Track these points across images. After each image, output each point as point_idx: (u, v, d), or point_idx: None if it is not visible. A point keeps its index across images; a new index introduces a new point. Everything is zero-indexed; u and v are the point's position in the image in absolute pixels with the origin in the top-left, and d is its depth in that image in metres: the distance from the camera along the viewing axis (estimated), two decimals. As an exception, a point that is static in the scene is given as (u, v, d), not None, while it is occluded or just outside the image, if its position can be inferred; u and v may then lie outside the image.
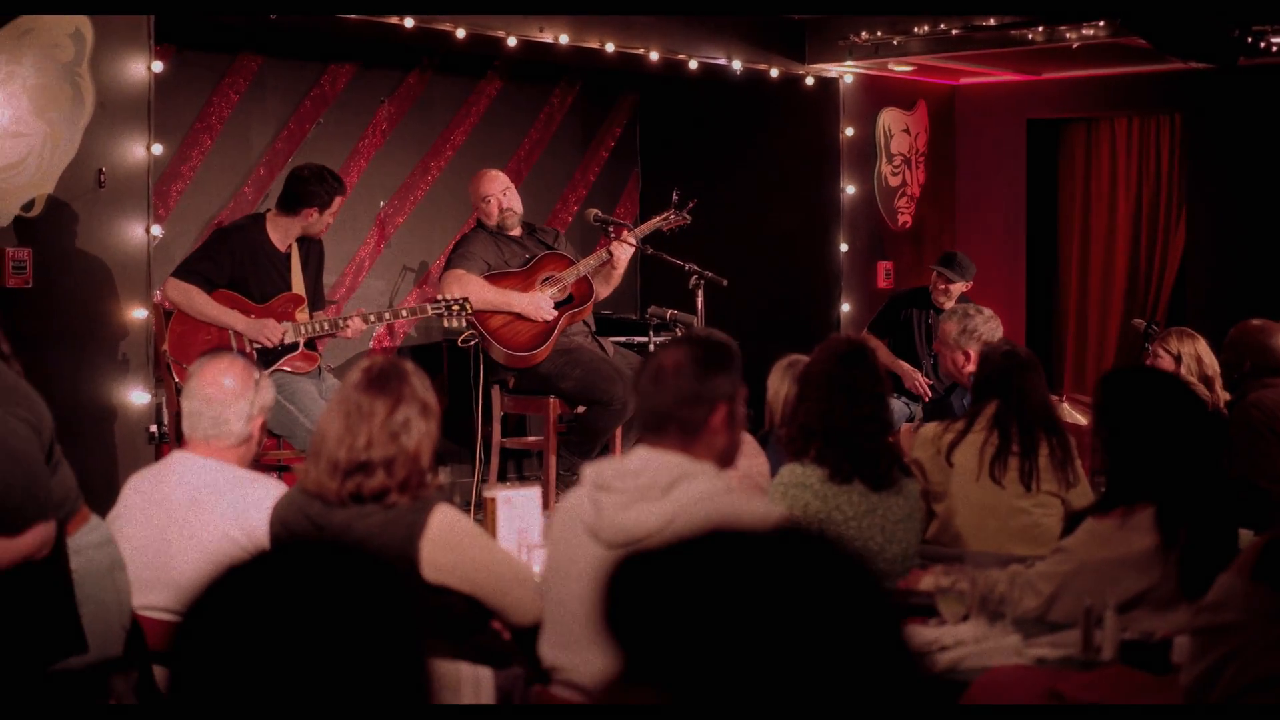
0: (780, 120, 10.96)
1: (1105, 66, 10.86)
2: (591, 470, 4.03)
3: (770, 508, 4.15)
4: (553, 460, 8.52)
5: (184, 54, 9.25)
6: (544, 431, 8.63)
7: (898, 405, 9.10)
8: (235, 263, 7.81)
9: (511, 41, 9.19)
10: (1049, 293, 11.90)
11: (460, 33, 8.95)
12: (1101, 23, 9.46)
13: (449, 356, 9.57)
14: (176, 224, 9.26)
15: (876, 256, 11.06)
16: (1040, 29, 9.68)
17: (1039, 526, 5.82)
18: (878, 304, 10.43)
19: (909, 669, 1.68)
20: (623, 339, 9.43)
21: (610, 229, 8.66)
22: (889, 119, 11.14)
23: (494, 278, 8.47)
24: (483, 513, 5.58)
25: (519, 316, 8.43)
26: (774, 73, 10.45)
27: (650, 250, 8.60)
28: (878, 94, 11.04)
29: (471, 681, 4.23)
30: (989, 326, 7.31)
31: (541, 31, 9.24)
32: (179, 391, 7.09)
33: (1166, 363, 7.71)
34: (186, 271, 7.79)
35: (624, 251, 8.58)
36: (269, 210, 8.06)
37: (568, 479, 8.50)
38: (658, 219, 8.83)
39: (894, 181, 11.17)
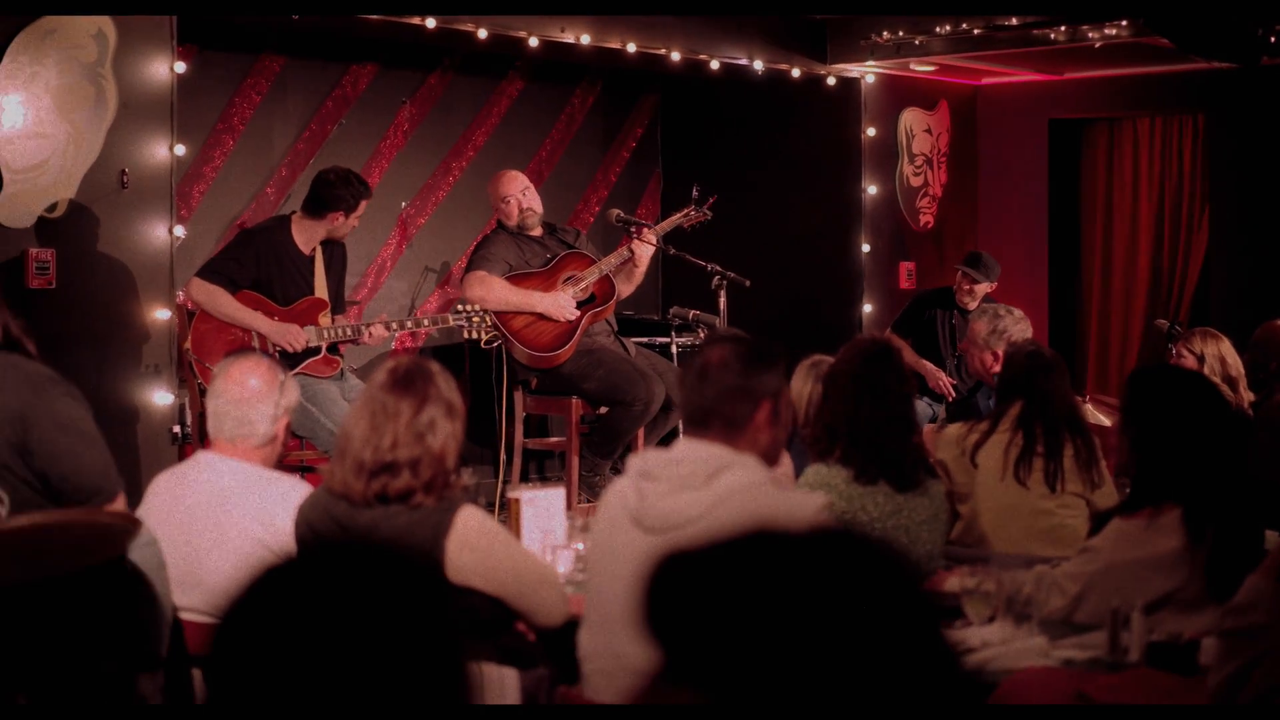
0: (802, 120, 10.95)
1: (1128, 66, 10.83)
2: (637, 460, 4.06)
3: (810, 496, 4.15)
4: (575, 461, 8.51)
5: (206, 55, 9.26)
6: (566, 432, 8.63)
7: (921, 405, 9.08)
8: (259, 265, 7.82)
9: (533, 42, 9.20)
10: (1071, 293, 11.87)
11: (482, 33, 8.95)
12: (1124, 22, 9.43)
13: (471, 357, 9.56)
14: (199, 225, 9.27)
15: (898, 257, 11.04)
16: (1063, 29, 9.66)
17: (1064, 527, 5.80)
18: (899, 304, 10.41)
19: (950, 670, 1.67)
20: (644, 339, 9.42)
21: (632, 229, 8.65)
22: (911, 119, 11.12)
23: (516, 278, 8.47)
24: (506, 513, 5.57)
25: (541, 317, 8.42)
26: (795, 73, 10.44)
27: (673, 251, 8.59)
28: (899, 94, 11.02)
29: (496, 683, 4.23)
30: (1019, 327, 7.28)
31: (563, 32, 9.25)
32: (202, 392, 7.12)
33: (1190, 363, 7.68)
34: (211, 272, 7.80)
35: (645, 249, 8.56)
36: (294, 213, 8.06)
37: (590, 480, 8.49)
38: (678, 215, 8.82)
39: (916, 182, 11.16)
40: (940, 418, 9.23)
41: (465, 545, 4.26)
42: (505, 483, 8.62)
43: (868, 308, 10.78)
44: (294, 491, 4.69)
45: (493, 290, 8.38)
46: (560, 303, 8.43)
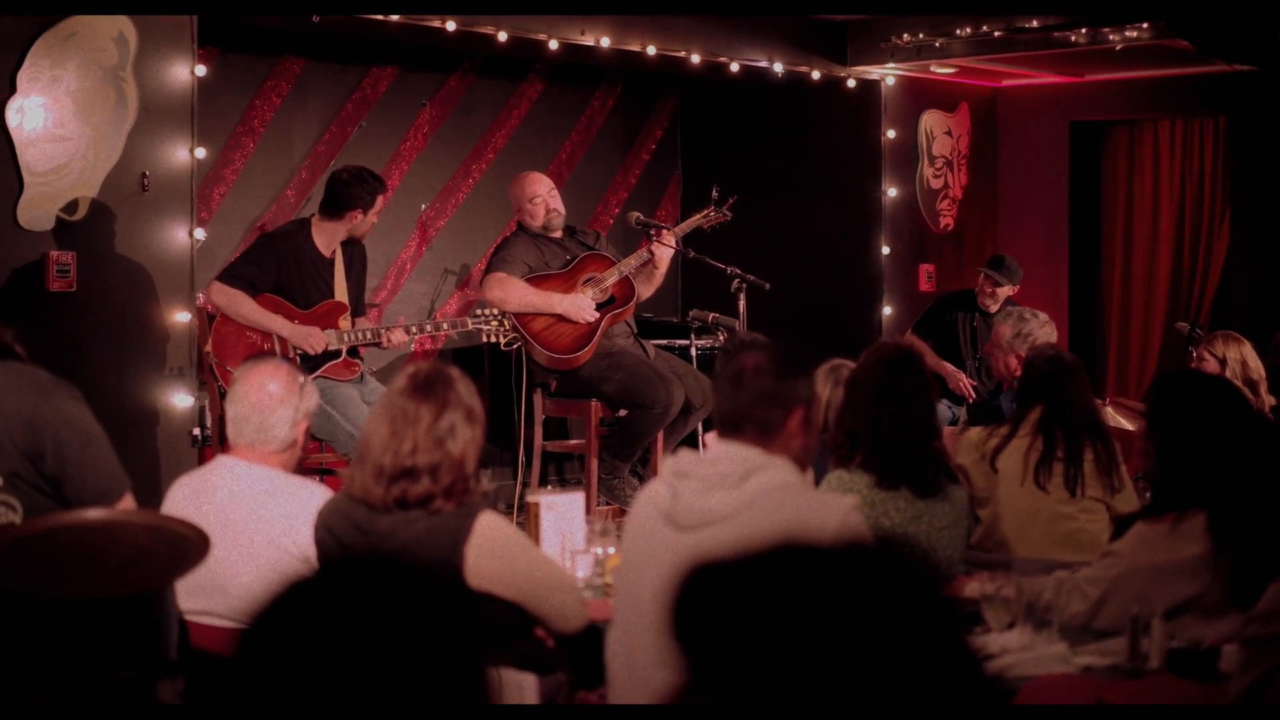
0: (822, 123, 10.94)
1: (1148, 68, 10.80)
2: (672, 460, 4.09)
3: (841, 498, 4.16)
4: (594, 464, 8.50)
5: (226, 57, 9.28)
6: (585, 435, 8.62)
7: (940, 408, 9.06)
8: (280, 269, 7.82)
9: (553, 44, 9.20)
10: (1092, 296, 11.84)
11: (502, 36, 8.95)
12: (1145, 24, 9.41)
13: (490, 360, 9.57)
14: (219, 227, 9.28)
15: (918, 259, 11.03)
16: (1083, 31, 9.63)
17: (1084, 532, 5.78)
18: (920, 307, 10.40)
19: (975, 680, 1.67)
20: (664, 342, 9.42)
21: (652, 231, 8.64)
22: (931, 121, 11.10)
23: (535, 280, 8.46)
24: (524, 517, 5.57)
25: (561, 318, 8.42)
26: (815, 75, 10.43)
27: (692, 254, 8.58)
28: (919, 96, 11.01)
29: (515, 688, 4.23)
30: (1044, 331, 7.27)
31: (583, 34, 9.25)
32: (222, 395, 7.13)
33: (1211, 366, 7.67)
34: (231, 276, 7.80)
35: (665, 251, 8.55)
36: (313, 215, 8.06)
37: (609, 482, 8.49)
38: (698, 216, 8.81)
39: (936, 184, 11.14)
40: (961, 420, 9.21)
41: (484, 551, 4.26)
42: (524, 485, 8.62)
43: (888, 310, 10.77)
44: (314, 496, 4.69)
45: (512, 292, 8.37)
46: (579, 304, 8.42)
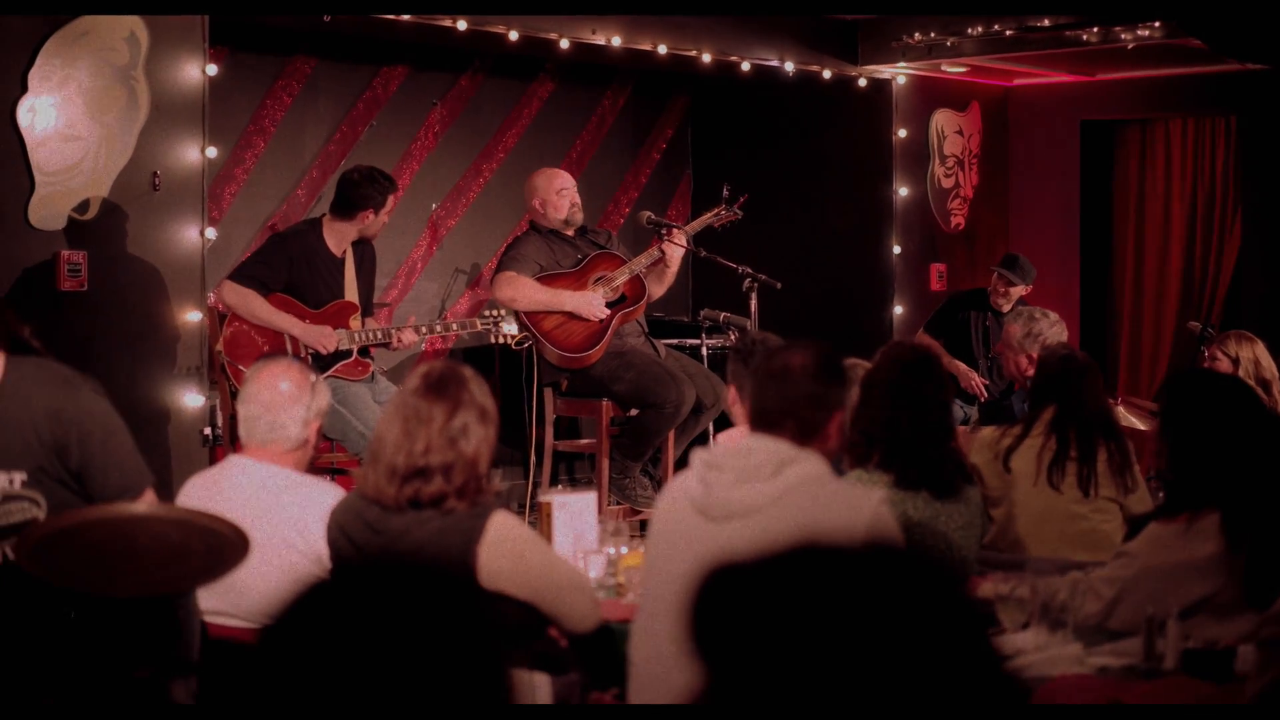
0: (833, 122, 10.93)
1: (1160, 68, 10.79)
2: (703, 452, 4.11)
3: (870, 491, 4.17)
4: (605, 463, 8.49)
5: (237, 57, 9.27)
6: (596, 434, 8.61)
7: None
8: (292, 268, 7.82)
9: (564, 44, 9.19)
10: (1103, 295, 11.83)
11: (513, 35, 8.95)
12: (1157, 23, 9.39)
13: (501, 359, 9.56)
14: (230, 227, 9.28)
15: (929, 258, 11.01)
16: (1095, 30, 9.61)
17: (1097, 532, 5.77)
18: (930, 306, 10.38)
19: (998, 681, 1.66)
20: (675, 341, 9.41)
21: (663, 230, 8.62)
22: (942, 120, 11.09)
23: (546, 279, 8.45)
24: (536, 517, 5.56)
25: (572, 316, 8.40)
26: (826, 74, 10.42)
27: (703, 253, 8.57)
28: (930, 95, 10.99)
29: (528, 688, 4.22)
30: (1054, 330, 7.25)
31: (594, 34, 9.24)
32: (233, 394, 7.12)
33: (1224, 366, 7.65)
34: (243, 276, 7.80)
35: (676, 250, 8.53)
36: (324, 215, 8.06)
37: (619, 482, 8.48)
38: (708, 215, 8.80)
39: (947, 183, 11.12)
40: (973, 419, 9.20)
41: (498, 551, 4.25)
42: (535, 485, 8.61)
43: (899, 309, 10.75)
44: (326, 496, 4.68)
45: (522, 290, 8.36)
46: (590, 300, 8.40)
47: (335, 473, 7.75)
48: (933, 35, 10.16)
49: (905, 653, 1.62)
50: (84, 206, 7.50)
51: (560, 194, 8.55)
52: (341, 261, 7.97)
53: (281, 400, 4.82)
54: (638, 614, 4.16)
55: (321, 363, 7.67)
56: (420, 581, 1.82)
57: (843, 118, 10.88)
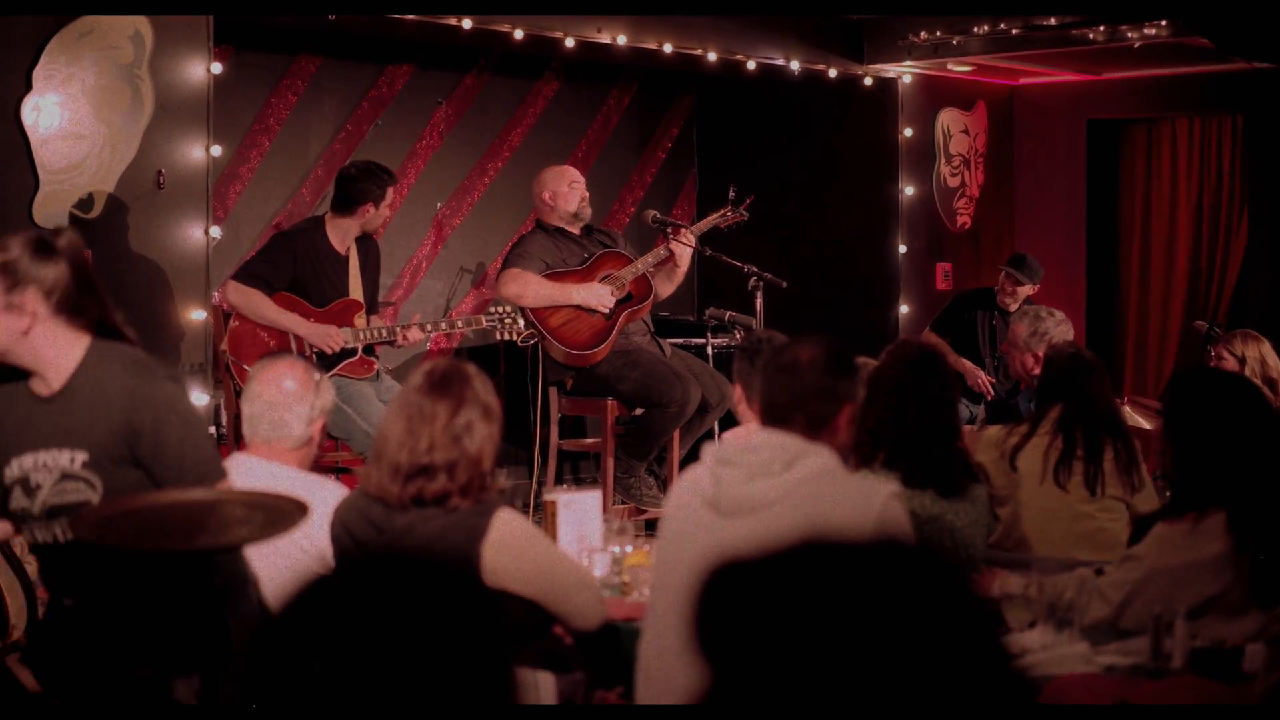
0: (838, 121, 10.92)
1: (1167, 67, 10.77)
2: (714, 447, 4.12)
3: (882, 483, 4.17)
4: (610, 463, 8.48)
5: (242, 55, 9.27)
6: (601, 433, 8.60)
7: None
8: (296, 267, 7.82)
9: (569, 42, 9.18)
10: (1109, 295, 11.80)
11: (518, 34, 8.94)
12: (1164, 22, 9.37)
13: (506, 358, 9.55)
14: (234, 225, 9.28)
15: (935, 258, 11.00)
16: (1101, 29, 9.60)
17: (1104, 531, 5.76)
18: (936, 306, 10.38)
19: (1008, 679, 1.65)
20: (680, 340, 9.39)
21: (668, 229, 8.61)
22: (948, 119, 11.07)
23: (552, 276, 8.44)
24: (541, 515, 5.55)
25: (579, 310, 8.38)
26: (832, 73, 10.40)
27: (709, 252, 8.55)
28: (936, 94, 10.98)
29: (532, 687, 4.21)
30: (1060, 329, 7.24)
31: (599, 32, 9.23)
32: (238, 393, 7.12)
33: (1230, 365, 7.65)
34: (247, 275, 7.80)
35: (684, 249, 8.53)
36: (327, 213, 8.06)
37: (624, 481, 8.47)
38: (715, 216, 8.79)
39: (953, 182, 11.11)
40: (980, 418, 9.19)
41: (502, 549, 4.24)
42: (540, 484, 8.60)
43: (904, 309, 10.74)
44: (330, 494, 4.68)
45: (528, 286, 8.35)
46: (596, 292, 8.38)
47: (340, 471, 7.75)
48: (938, 34, 10.15)
49: (914, 648, 1.61)
50: (88, 205, 7.49)
51: (572, 187, 8.56)
52: (345, 259, 7.97)
53: (285, 398, 4.81)
54: (648, 611, 4.16)
55: (326, 361, 7.66)
56: (424, 579, 1.81)
57: (848, 117, 10.87)
